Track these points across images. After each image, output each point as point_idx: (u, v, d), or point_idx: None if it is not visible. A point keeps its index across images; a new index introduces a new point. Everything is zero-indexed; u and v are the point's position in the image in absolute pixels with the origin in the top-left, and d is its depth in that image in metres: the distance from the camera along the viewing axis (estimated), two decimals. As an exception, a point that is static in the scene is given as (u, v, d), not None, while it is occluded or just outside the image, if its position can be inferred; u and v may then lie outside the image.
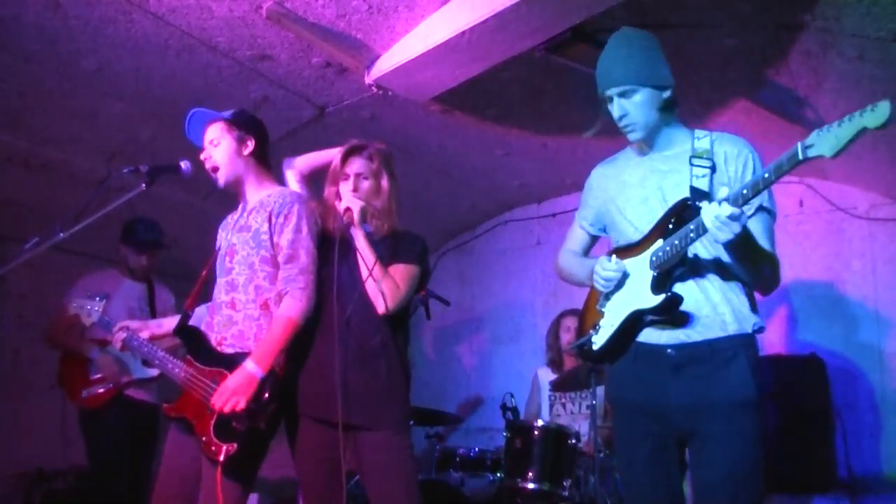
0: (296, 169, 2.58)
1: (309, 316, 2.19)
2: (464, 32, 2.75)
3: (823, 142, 1.45)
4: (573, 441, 3.36)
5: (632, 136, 1.88)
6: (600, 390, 3.71)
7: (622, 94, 1.84)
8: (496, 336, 5.28)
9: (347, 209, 2.25)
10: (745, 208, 1.58)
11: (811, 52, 2.87)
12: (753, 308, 1.83)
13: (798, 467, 3.38)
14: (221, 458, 2.03)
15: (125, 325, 2.46)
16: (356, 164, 2.36)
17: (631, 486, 1.92)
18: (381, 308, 2.21)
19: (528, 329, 5.06)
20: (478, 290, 5.45)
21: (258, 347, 2.14)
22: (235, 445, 2.05)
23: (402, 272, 2.28)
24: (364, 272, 2.22)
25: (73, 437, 3.45)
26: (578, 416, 3.81)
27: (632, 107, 1.84)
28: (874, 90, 2.94)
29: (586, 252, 2.15)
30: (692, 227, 1.67)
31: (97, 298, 2.62)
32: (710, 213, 1.57)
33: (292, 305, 2.17)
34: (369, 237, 2.28)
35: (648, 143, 1.91)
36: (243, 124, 2.38)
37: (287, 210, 2.25)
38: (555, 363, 4.10)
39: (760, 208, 1.79)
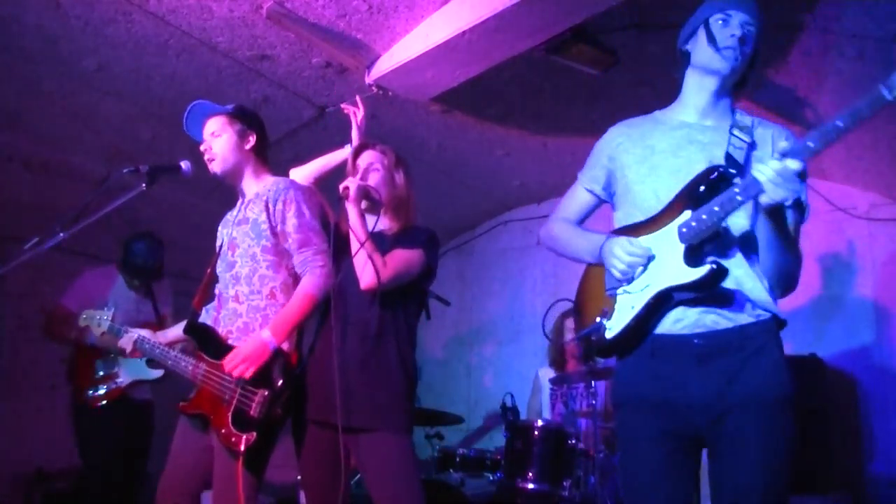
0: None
1: (327, 293, 2.17)
2: (464, 32, 2.75)
3: None
4: (573, 441, 3.36)
5: (723, 63, 1.70)
6: (601, 389, 3.72)
7: (745, 23, 1.71)
8: (496, 336, 5.28)
9: (345, 187, 2.18)
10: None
11: (811, 52, 2.87)
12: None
13: (797, 468, 3.37)
14: (242, 447, 2.03)
15: (135, 331, 2.46)
16: (367, 157, 2.34)
17: (638, 495, 1.69)
18: (364, 283, 2.12)
19: (528, 329, 5.06)
20: (478, 290, 5.45)
21: (274, 319, 2.15)
22: (255, 434, 2.04)
23: (397, 255, 2.20)
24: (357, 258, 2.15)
25: (72, 437, 3.46)
26: (579, 415, 3.81)
27: (750, 38, 1.71)
28: (874, 90, 2.93)
29: (582, 221, 1.95)
30: (737, 189, 1.51)
31: (105, 308, 2.62)
32: (770, 167, 1.43)
33: (312, 282, 2.17)
34: (380, 234, 2.25)
35: (709, 96, 1.76)
36: (245, 119, 2.39)
37: (284, 196, 2.25)
38: (557, 363, 4.09)
39: (797, 202, 1.63)
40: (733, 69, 1.72)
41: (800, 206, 1.68)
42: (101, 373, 3.36)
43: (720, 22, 1.73)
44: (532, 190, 4.98)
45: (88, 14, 2.78)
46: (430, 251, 2.27)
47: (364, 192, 2.22)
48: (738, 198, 1.52)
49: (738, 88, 1.81)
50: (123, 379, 3.36)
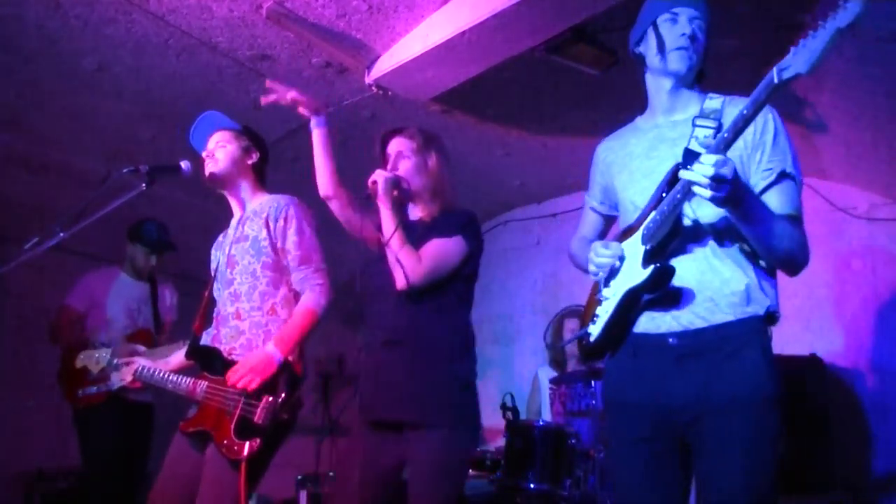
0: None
1: (327, 309, 2.21)
2: (464, 32, 2.75)
3: (798, 60, 1.31)
4: (573, 441, 3.36)
5: (679, 64, 1.69)
6: (600, 389, 3.72)
7: (693, 19, 1.69)
8: (496, 336, 5.27)
9: (373, 181, 2.13)
10: (761, 173, 1.54)
11: (811, 52, 2.86)
12: (766, 289, 1.61)
13: (797, 468, 3.37)
14: (245, 453, 2.03)
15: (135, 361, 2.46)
16: (395, 144, 2.27)
17: (625, 495, 1.69)
18: (399, 283, 2.06)
19: (528, 329, 5.06)
20: (477, 290, 5.41)
21: (278, 333, 2.17)
22: (259, 440, 2.05)
23: (431, 247, 2.10)
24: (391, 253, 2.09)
25: (73, 437, 3.46)
26: (578, 415, 3.81)
27: (700, 33, 1.70)
28: (874, 90, 2.93)
29: (602, 237, 2.00)
30: (678, 188, 1.51)
31: (102, 347, 2.67)
32: (686, 172, 1.42)
33: (312, 299, 2.21)
34: (417, 223, 2.20)
35: (667, 94, 1.76)
36: (252, 138, 2.45)
37: (284, 213, 2.27)
38: (557, 363, 4.10)
39: (782, 174, 1.61)
40: (690, 68, 1.72)
41: (786, 175, 1.63)
42: (93, 374, 3.36)
43: (668, 22, 1.72)
44: (532, 190, 4.98)
45: (88, 14, 2.78)
46: (468, 235, 2.15)
47: (393, 184, 2.16)
48: (678, 196, 1.52)
49: (697, 81, 1.79)
50: (114, 382, 3.36)
